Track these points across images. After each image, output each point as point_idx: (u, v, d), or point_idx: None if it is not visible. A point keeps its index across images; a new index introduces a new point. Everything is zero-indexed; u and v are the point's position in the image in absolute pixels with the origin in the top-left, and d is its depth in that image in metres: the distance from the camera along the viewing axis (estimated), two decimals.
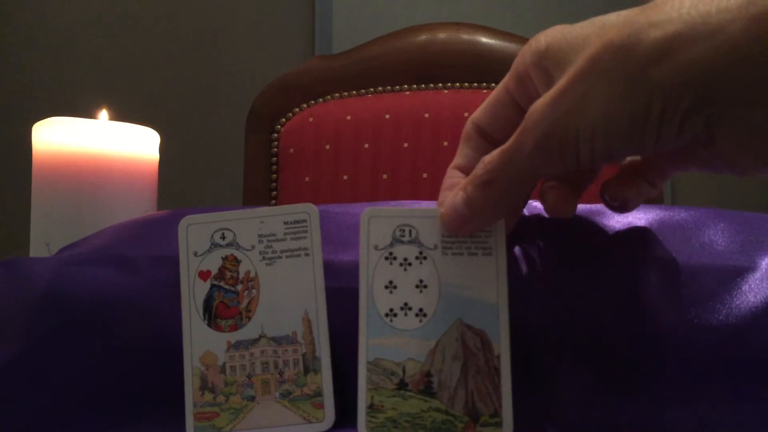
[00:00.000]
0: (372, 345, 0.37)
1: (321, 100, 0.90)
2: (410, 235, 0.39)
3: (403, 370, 0.37)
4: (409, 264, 0.38)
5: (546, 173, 0.35)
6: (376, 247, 0.38)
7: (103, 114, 0.61)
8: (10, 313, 0.41)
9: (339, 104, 0.89)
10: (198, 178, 1.53)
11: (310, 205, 0.40)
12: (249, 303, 0.39)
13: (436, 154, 0.85)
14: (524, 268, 0.40)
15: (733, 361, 0.38)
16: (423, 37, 0.91)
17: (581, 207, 0.47)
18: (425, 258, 0.38)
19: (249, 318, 0.39)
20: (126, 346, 0.40)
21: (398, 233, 0.39)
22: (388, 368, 0.37)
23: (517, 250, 0.42)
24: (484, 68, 0.89)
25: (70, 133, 0.56)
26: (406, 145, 0.86)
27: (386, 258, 0.38)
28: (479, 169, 0.36)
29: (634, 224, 0.44)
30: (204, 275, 0.40)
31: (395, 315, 0.38)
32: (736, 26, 0.28)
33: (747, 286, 0.39)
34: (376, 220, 0.39)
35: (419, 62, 0.90)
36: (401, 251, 0.38)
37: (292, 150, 0.88)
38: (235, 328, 0.39)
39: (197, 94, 1.55)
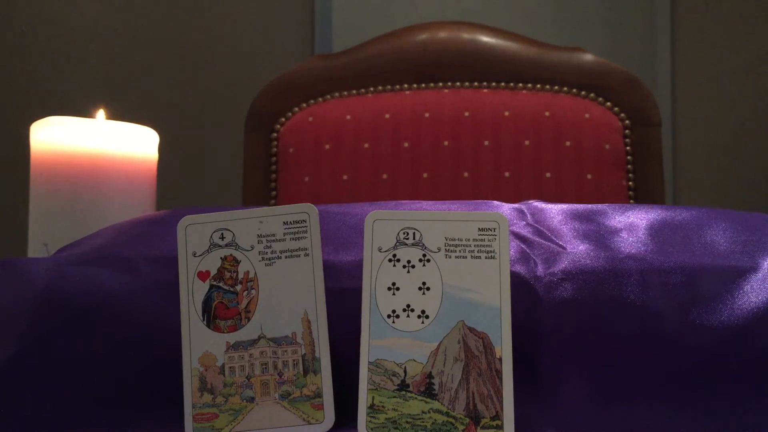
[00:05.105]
0: (374, 345, 0.37)
1: (320, 99, 0.90)
2: (414, 238, 0.39)
3: (405, 371, 0.37)
4: (413, 266, 0.38)
5: None
6: (379, 249, 0.39)
7: (100, 114, 0.60)
8: (9, 314, 0.40)
9: (339, 104, 0.89)
10: (197, 178, 1.53)
11: (310, 205, 0.40)
12: (248, 303, 0.39)
13: (436, 154, 0.85)
14: (526, 270, 0.40)
15: (734, 361, 0.38)
16: (423, 36, 0.91)
17: (582, 207, 0.46)
18: (428, 260, 0.38)
19: (248, 318, 0.39)
20: (124, 346, 0.40)
21: (402, 236, 0.39)
22: (390, 369, 0.37)
23: (518, 251, 0.41)
24: (484, 67, 0.89)
25: (68, 133, 0.56)
26: (406, 145, 0.86)
27: (390, 260, 0.38)
28: None
29: (635, 224, 0.44)
30: (203, 275, 0.39)
31: (397, 316, 0.38)
32: None
33: (749, 287, 0.39)
34: (381, 223, 0.39)
35: (419, 62, 0.89)
36: (405, 253, 0.38)
37: (291, 150, 0.88)
38: (234, 328, 0.39)
39: (196, 93, 1.55)
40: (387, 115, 0.87)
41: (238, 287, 0.39)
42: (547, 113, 0.85)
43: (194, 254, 0.39)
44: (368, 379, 0.37)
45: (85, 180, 0.56)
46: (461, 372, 0.37)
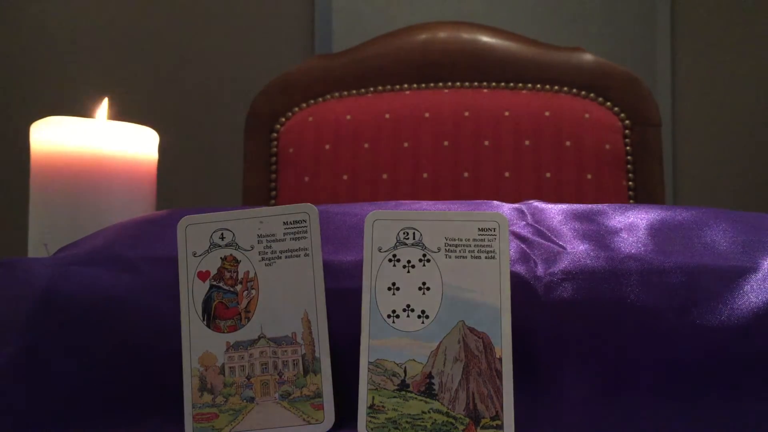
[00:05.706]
0: (374, 346, 0.37)
1: (320, 99, 0.90)
2: (414, 238, 0.39)
3: (405, 371, 0.37)
4: (413, 266, 0.38)
5: None
6: (379, 249, 0.39)
7: (105, 103, 0.61)
8: (9, 314, 0.40)
9: (339, 104, 0.89)
10: (197, 178, 1.53)
11: (310, 205, 0.40)
12: (248, 303, 0.39)
13: (436, 154, 0.85)
14: (526, 270, 0.40)
15: (734, 361, 0.38)
16: (423, 36, 0.91)
17: (582, 207, 0.46)
18: (428, 260, 0.38)
19: (248, 318, 0.39)
20: (124, 346, 0.40)
21: (402, 236, 0.39)
22: (390, 369, 0.37)
23: (518, 251, 0.41)
24: (484, 67, 0.89)
25: (68, 133, 0.56)
26: (406, 145, 0.86)
27: (390, 260, 0.38)
28: None
29: (635, 224, 0.44)
30: (203, 276, 0.39)
31: (397, 316, 0.38)
32: None
33: (749, 287, 0.39)
34: (381, 223, 0.39)
35: (419, 62, 0.89)
36: (405, 253, 0.38)
37: (291, 150, 0.88)
38: (234, 328, 0.39)
39: (197, 93, 1.55)
40: (387, 115, 0.87)
41: (238, 287, 0.39)
42: (547, 113, 0.85)
43: (194, 254, 0.39)
44: (368, 379, 0.37)
45: (85, 180, 0.55)
46: (461, 372, 0.37)
